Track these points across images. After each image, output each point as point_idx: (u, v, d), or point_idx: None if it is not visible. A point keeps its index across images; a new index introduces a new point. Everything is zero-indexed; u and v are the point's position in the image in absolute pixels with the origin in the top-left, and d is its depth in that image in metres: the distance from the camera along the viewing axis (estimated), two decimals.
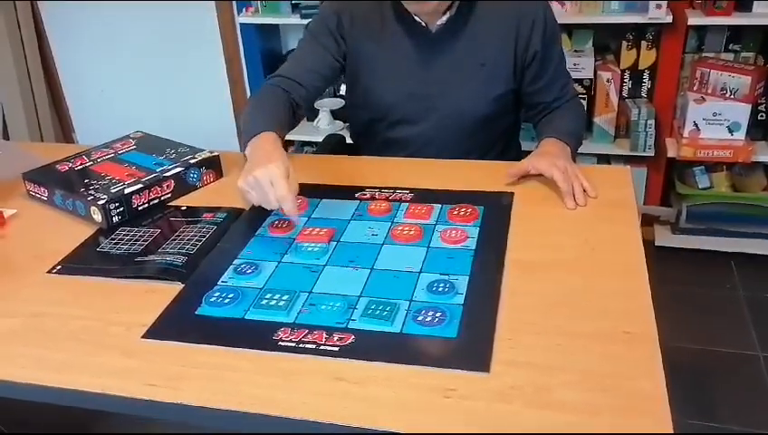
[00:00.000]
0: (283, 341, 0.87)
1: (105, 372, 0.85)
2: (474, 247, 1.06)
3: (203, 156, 1.32)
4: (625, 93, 2.26)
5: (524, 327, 0.88)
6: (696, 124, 2.13)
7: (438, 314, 0.89)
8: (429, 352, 0.85)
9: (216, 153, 1.34)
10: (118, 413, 0.84)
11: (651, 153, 2.23)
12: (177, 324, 0.93)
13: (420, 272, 1.00)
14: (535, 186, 1.23)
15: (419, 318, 0.89)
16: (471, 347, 0.84)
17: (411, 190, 1.24)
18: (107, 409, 0.84)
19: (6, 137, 2.78)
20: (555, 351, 0.83)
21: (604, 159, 2.31)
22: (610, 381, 0.78)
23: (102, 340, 0.91)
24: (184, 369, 0.84)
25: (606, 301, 0.92)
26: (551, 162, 1.21)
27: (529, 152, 1.68)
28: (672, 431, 0.71)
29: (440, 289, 0.95)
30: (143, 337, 0.90)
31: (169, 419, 0.81)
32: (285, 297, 0.95)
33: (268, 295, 0.96)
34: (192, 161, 1.30)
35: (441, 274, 0.99)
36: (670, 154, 2.20)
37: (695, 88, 2.15)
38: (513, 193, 1.21)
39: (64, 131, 3.01)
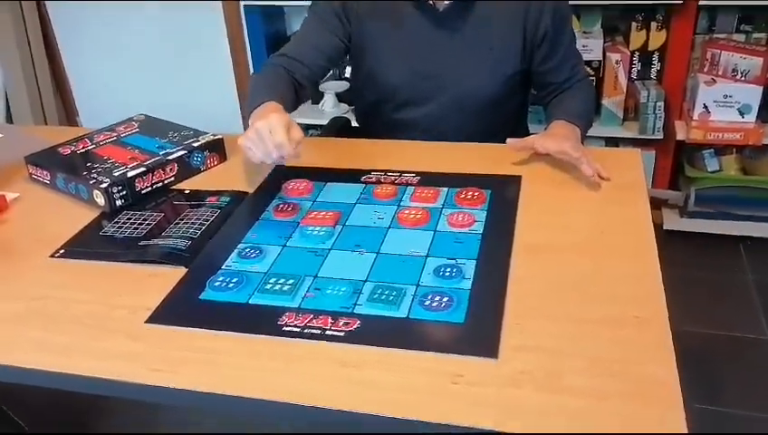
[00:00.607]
0: (288, 326, 0.86)
1: (109, 357, 0.84)
2: (481, 231, 1.04)
3: (206, 139, 1.31)
4: (634, 75, 2.23)
5: (533, 312, 0.86)
6: (706, 106, 2.10)
7: (445, 299, 0.88)
8: (436, 337, 0.83)
9: (219, 136, 1.32)
10: (121, 398, 0.83)
11: (660, 136, 2.20)
12: (180, 309, 0.92)
13: (427, 256, 0.99)
14: (543, 168, 1.22)
15: (426, 303, 0.88)
16: (479, 332, 0.83)
17: (417, 174, 1.22)
18: (111, 394, 0.83)
19: (10, 121, 2.77)
20: (564, 336, 0.82)
21: (612, 141, 2.28)
22: (621, 367, 0.77)
23: (106, 324, 0.90)
24: (188, 354, 0.84)
25: (616, 285, 0.90)
26: (559, 142, 1.19)
27: None
28: (684, 417, 0.70)
29: (447, 274, 0.94)
30: (147, 322, 0.89)
31: (173, 404, 0.80)
32: (290, 282, 0.94)
33: (272, 280, 0.95)
34: (195, 144, 1.29)
35: (448, 258, 0.98)
36: (679, 137, 2.17)
37: (705, 70, 2.12)
38: (520, 176, 1.20)
39: (68, 115, 2.99)
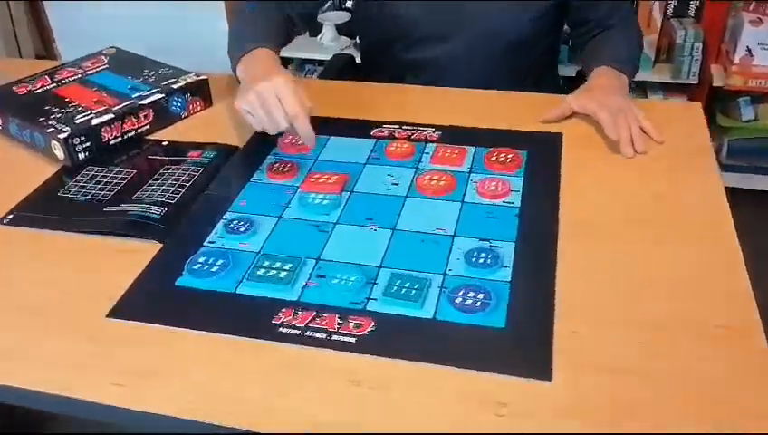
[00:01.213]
0: (286, 326, 0.69)
1: (61, 364, 0.67)
2: (519, 204, 0.86)
3: (188, 79, 1.10)
4: (670, 12, 2.00)
5: (592, 314, 0.69)
6: (749, 49, 1.89)
7: (481, 296, 0.71)
8: (472, 348, 0.66)
9: (203, 77, 1.12)
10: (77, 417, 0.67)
11: (695, 81, 2.00)
12: (151, 299, 0.74)
13: (454, 235, 0.81)
14: (587, 125, 1.02)
15: (457, 300, 0.71)
16: (525, 343, 0.66)
17: (437, 128, 1.03)
18: (62, 412, 0.66)
19: None
20: (635, 347, 0.65)
21: (640, 86, 2.08)
22: (708, 392, 0.61)
23: (59, 317, 0.72)
24: (159, 362, 0.66)
25: (693, 279, 0.73)
26: (600, 102, 1.00)
27: (566, 79, 1.47)
28: None
29: (481, 260, 0.76)
30: (109, 315, 0.72)
31: (139, 430, 0.64)
32: (288, 266, 0.76)
33: (266, 263, 0.77)
34: (175, 86, 1.08)
35: (481, 238, 0.80)
36: (716, 83, 1.96)
37: (750, 8, 1.90)
38: (561, 134, 1.01)
39: (44, 42, 2.74)
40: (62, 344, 0.69)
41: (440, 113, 1.06)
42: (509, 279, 0.74)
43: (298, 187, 0.91)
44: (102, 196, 0.90)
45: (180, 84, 1.09)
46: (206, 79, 1.11)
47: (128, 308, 0.73)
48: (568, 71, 1.52)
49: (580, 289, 0.72)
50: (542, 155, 0.96)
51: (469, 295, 0.71)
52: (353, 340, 0.67)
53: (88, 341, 0.69)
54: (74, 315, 0.72)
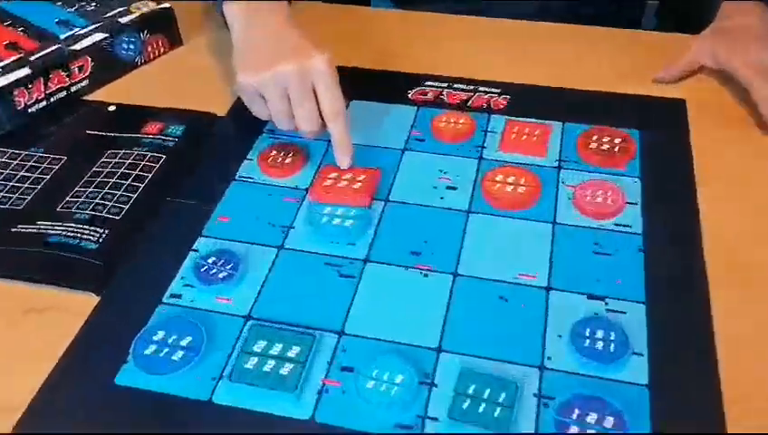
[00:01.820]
0: None
1: None
2: (640, 229, 0.57)
3: (144, 9, 0.77)
4: None
5: None
6: None
7: (609, 421, 0.43)
8: None
9: (166, 4, 0.79)
10: None
11: None
12: (76, 413, 0.46)
13: (548, 288, 0.52)
14: (718, 86, 0.72)
15: (572, 431, 0.43)
16: None
17: (504, 88, 0.72)
18: None
19: None
20: None
21: None
22: None
23: None
24: None
25: None
26: (748, 57, 0.68)
27: None
28: None
29: (599, 343, 0.48)
30: None
31: None
32: (294, 350, 0.48)
33: (260, 343, 0.49)
34: (124, 20, 0.76)
35: (589, 296, 0.51)
36: None
37: None
38: (683, 102, 0.70)
39: None
40: None
41: (507, 63, 0.75)
42: (647, 381, 0.46)
43: (306, 190, 0.61)
44: (14, 203, 0.61)
45: (133, 16, 0.76)
46: (170, 7, 0.78)
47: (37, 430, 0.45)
48: None
49: (755, 389, 0.45)
50: (660, 137, 0.66)
51: (588, 420, 0.44)
52: None
53: None
54: None
